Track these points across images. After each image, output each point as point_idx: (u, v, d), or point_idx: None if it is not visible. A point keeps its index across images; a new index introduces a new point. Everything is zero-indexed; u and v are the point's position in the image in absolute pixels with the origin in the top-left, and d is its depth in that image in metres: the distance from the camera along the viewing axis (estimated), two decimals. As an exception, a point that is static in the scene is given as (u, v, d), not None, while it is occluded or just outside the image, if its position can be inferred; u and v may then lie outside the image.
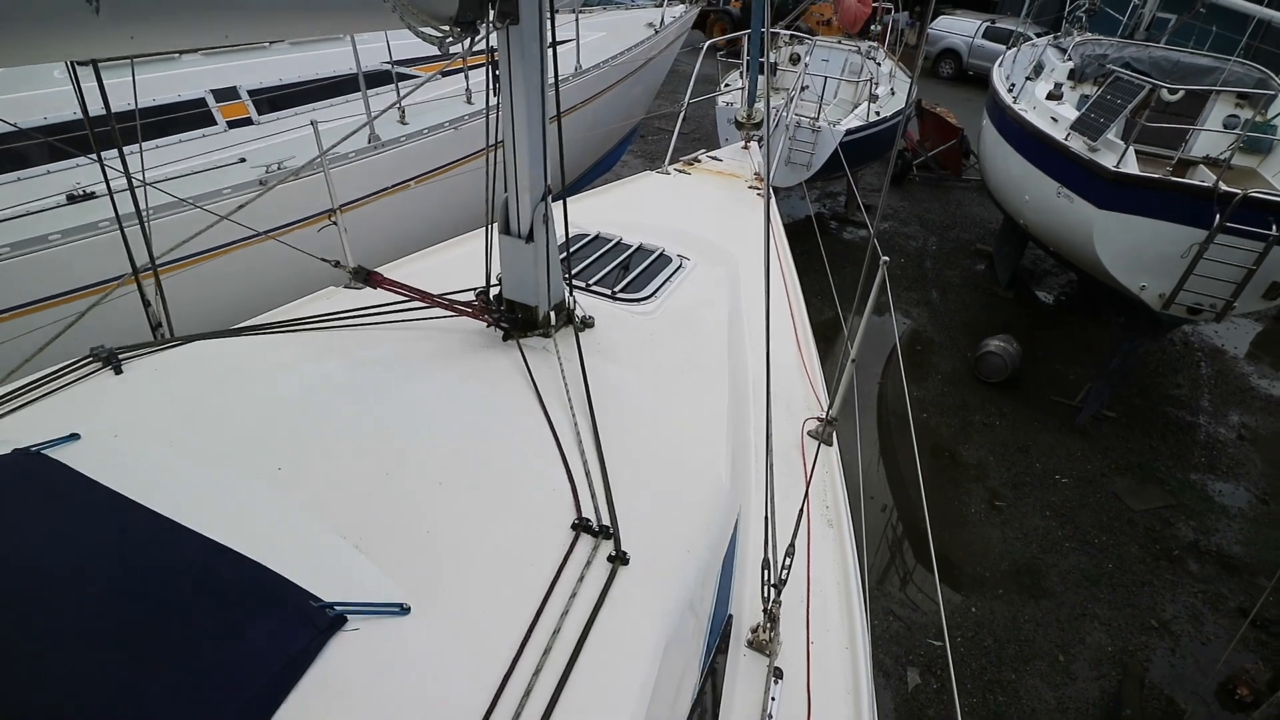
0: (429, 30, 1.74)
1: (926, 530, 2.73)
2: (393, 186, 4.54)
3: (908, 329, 8.17)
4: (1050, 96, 6.95)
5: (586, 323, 2.59)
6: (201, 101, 4.08)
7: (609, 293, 2.88)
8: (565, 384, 2.10)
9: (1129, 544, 5.45)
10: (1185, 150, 6.49)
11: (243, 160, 3.95)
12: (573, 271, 3.01)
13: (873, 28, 10.76)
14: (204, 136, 4.05)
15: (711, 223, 3.98)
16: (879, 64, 9.58)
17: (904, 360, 7.63)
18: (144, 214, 2.35)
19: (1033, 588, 5.04)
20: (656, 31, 7.16)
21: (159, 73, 3.97)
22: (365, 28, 1.88)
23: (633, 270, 3.10)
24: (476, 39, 1.86)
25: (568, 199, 4.18)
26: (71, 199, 3.41)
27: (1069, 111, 6.54)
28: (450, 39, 1.79)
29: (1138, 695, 4.35)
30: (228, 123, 4.15)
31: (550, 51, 2.01)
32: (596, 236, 3.41)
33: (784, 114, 6.23)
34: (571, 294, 2.55)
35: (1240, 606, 5.02)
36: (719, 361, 2.63)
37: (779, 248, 3.84)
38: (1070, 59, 7.64)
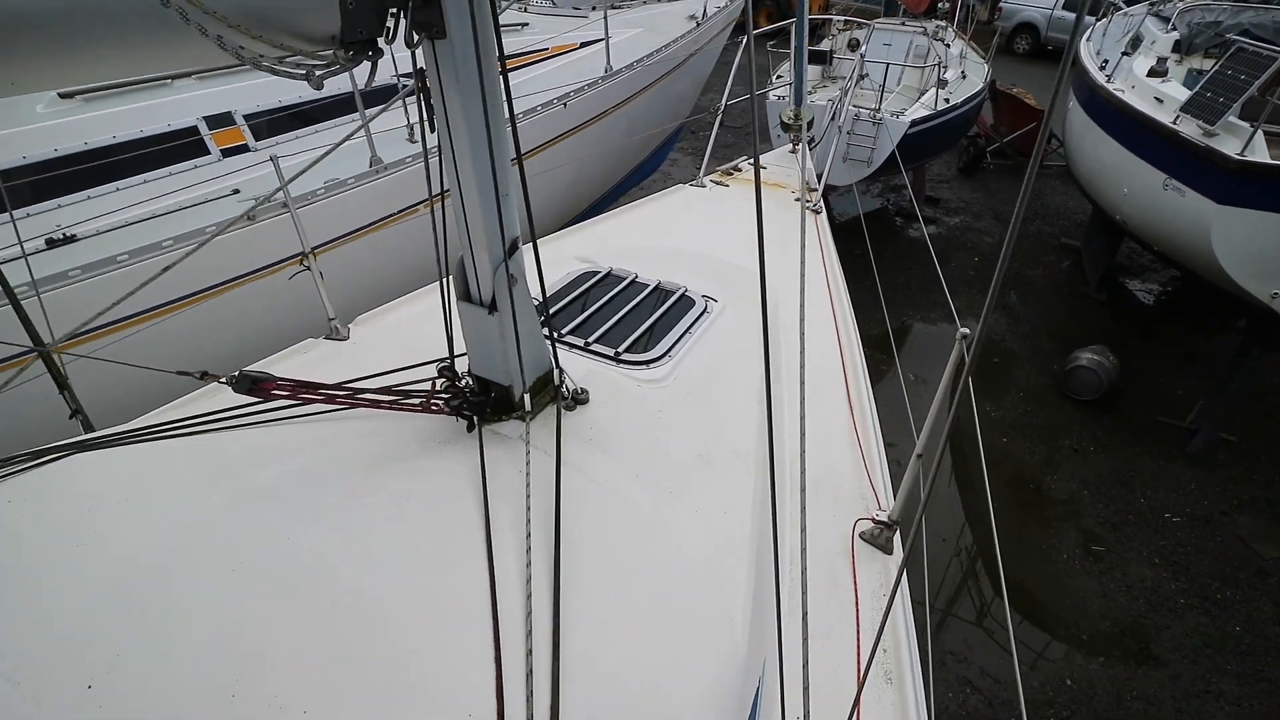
0: (295, 64, 1.28)
1: (1002, 583, 2.13)
2: (399, 213, 4.15)
3: (983, 338, 7.37)
4: (1153, 73, 6.05)
5: (579, 398, 2.11)
6: (194, 130, 3.77)
7: (611, 353, 2.38)
8: (528, 500, 1.62)
9: (1259, 600, 4.62)
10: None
11: (236, 192, 3.63)
12: (568, 327, 2.52)
13: (940, 5, 9.87)
14: (196, 168, 3.75)
15: (751, 247, 3.42)
16: (947, 45, 8.73)
17: (978, 376, 6.86)
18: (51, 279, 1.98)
19: (1141, 655, 4.30)
20: (698, 24, 6.59)
21: (152, 100, 3.69)
22: (194, 62, 1.32)
23: (645, 319, 2.58)
24: (379, 61, 1.39)
25: (587, 219, 3.76)
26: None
27: (1177, 90, 5.65)
28: (330, 68, 1.33)
29: (1281, 801, 3.60)
30: (222, 151, 3.84)
31: (499, 72, 1.53)
32: (608, 274, 2.91)
33: (839, 107, 5.60)
34: (557, 365, 2.06)
35: (1405, 683, 4.16)
36: (745, 445, 2.09)
37: (830, 274, 3.25)
38: (1174, 28, 6.68)
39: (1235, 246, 4.89)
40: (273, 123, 4.03)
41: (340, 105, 4.32)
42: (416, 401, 1.81)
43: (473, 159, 1.59)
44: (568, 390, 2.09)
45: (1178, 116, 5.30)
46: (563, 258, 3.09)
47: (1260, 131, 4.68)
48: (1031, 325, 7.51)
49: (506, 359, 1.85)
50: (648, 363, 2.36)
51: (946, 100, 7.52)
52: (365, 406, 1.75)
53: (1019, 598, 4.70)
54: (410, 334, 2.73)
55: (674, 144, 7.63)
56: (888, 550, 2.01)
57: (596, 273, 2.91)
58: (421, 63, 1.52)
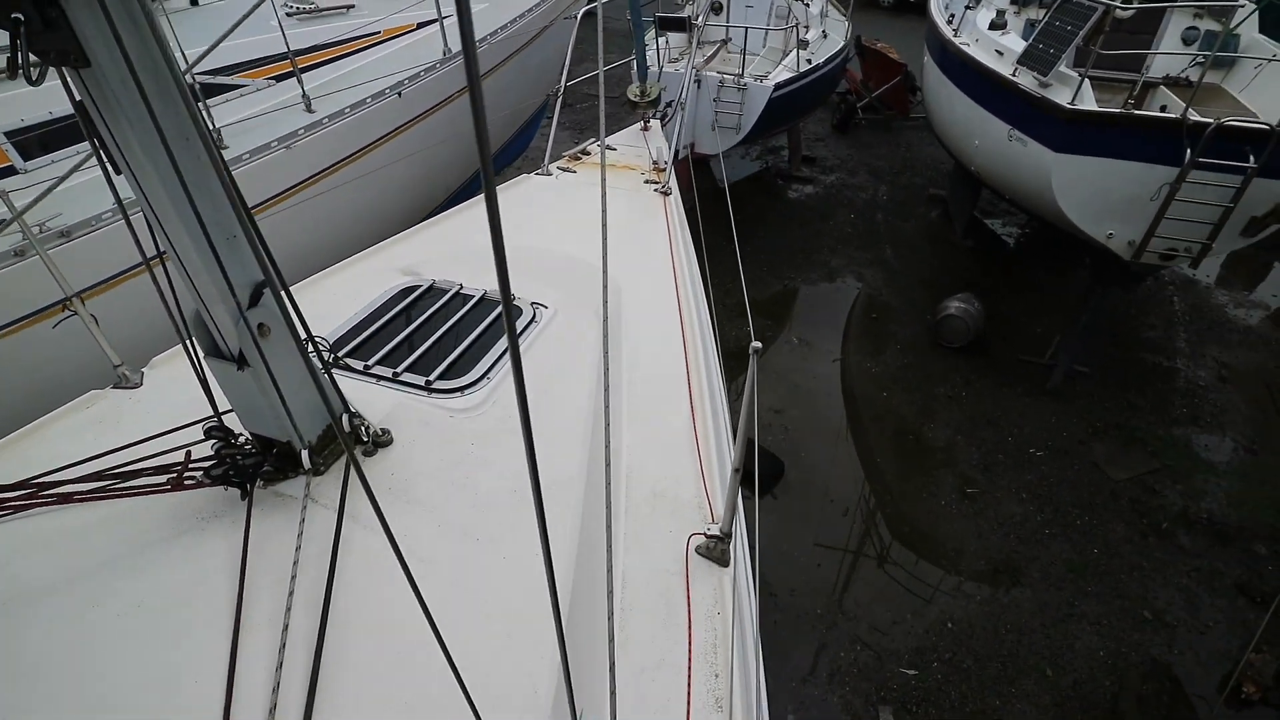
0: None
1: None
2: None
3: (861, 294, 7.56)
4: (993, 26, 6.24)
5: (379, 441, 1.93)
6: None
7: (422, 383, 2.20)
8: (293, 584, 1.45)
9: (1114, 522, 4.98)
10: (1144, 72, 5.83)
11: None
12: (377, 355, 2.32)
13: (800, -38, 9.85)
14: None
15: (596, 236, 3.28)
16: (807, 5, 8.74)
17: (860, 331, 7.05)
18: None
19: (1013, 588, 4.55)
20: (549, -7, 6.30)
21: None
22: None
23: (465, 338, 2.41)
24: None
25: (435, 217, 3.51)
26: None
27: (1015, 42, 5.85)
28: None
29: (1135, 709, 3.89)
30: None
31: (190, 99, 1.31)
32: (430, 288, 2.70)
33: (690, 73, 5.50)
34: (346, 409, 1.86)
35: (1237, 582, 4.58)
36: (568, 470, 1.97)
37: (678, 262, 3.15)
38: (1012, -21, 6.90)
39: (1073, 191, 5.12)
40: (45, 138, 3.51)
41: None
42: (164, 480, 1.58)
43: (172, 205, 1.36)
44: (365, 433, 1.90)
45: (1016, 69, 5.48)
46: (385, 271, 2.86)
47: (1087, 80, 4.88)
48: (906, 279, 7.76)
49: (276, 412, 1.65)
50: (462, 389, 2.19)
51: (809, 61, 7.55)
52: (91, 501, 1.51)
53: (905, 548, 4.88)
54: None
55: (540, 123, 7.33)
56: (723, 563, 1.94)
57: (417, 287, 2.70)
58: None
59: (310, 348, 2.11)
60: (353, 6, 5.17)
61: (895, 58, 10.83)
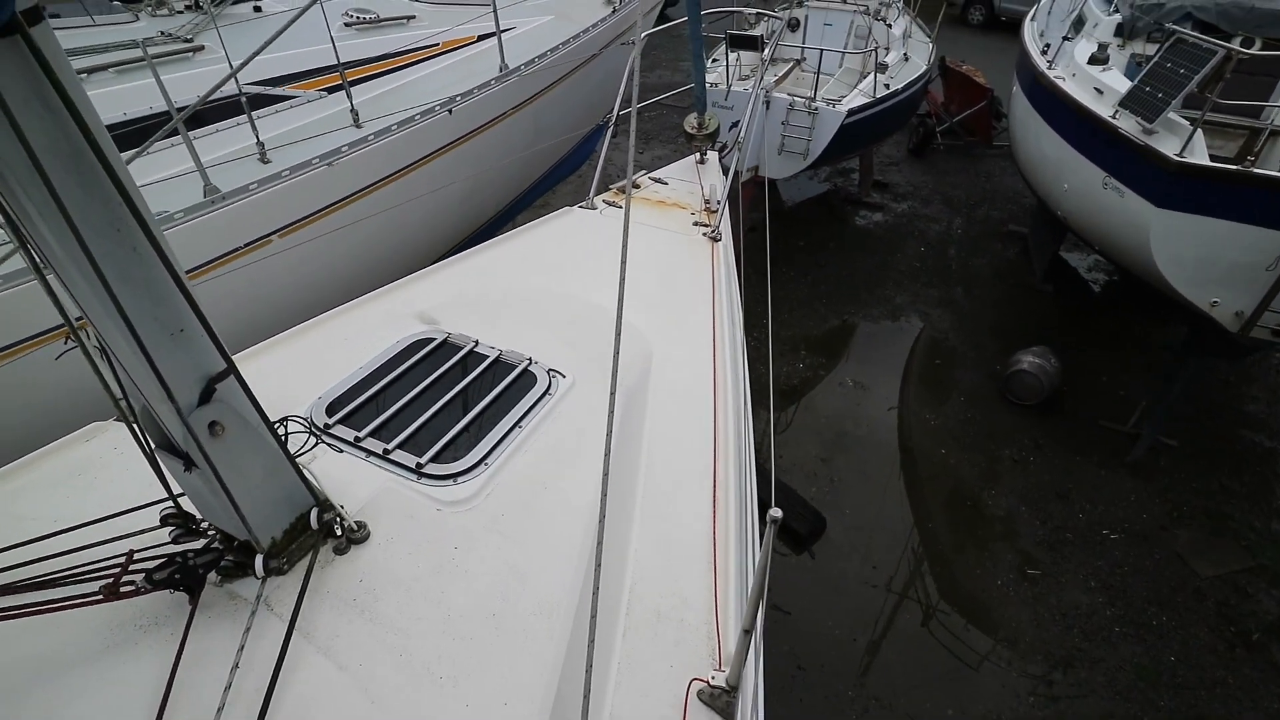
0: None
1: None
2: (245, 246, 3.65)
3: (925, 336, 7.09)
4: (1094, 60, 5.71)
5: (354, 536, 1.72)
6: None
7: (414, 465, 1.98)
8: (219, 716, 1.24)
9: (1196, 626, 4.44)
10: (1268, 119, 5.23)
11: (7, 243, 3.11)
12: (371, 426, 2.11)
13: (886, -22, 9.38)
14: None
15: (636, 287, 3.02)
16: (889, 25, 8.29)
17: (921, 378, 6.59)
18: None
19: (1073, 691, 4.09)
20: (616, 9, 6.07)
21: None
22: None
23: (471, 409, 2.18)
24: None
25: (465, 251, 3.32)
26: None
27: (1118, 80, 5.32)
28: None
29: None
30: None
31: (124, 180, 1.12)
32: (443, 343, 2.49)
33: (759, 94, 5.16)
34: (317, 506, 1.66)
35: (1341, 714, 4.00)
36: (557, 590, 1.72)
37: (720, 322, 2.85)
38: (1117, 10, 6.32)
39: (1174, 252, 4.61)
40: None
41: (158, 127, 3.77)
42: (95, 589, 1.40)
43: (99, 304, 1.17)
44: (339, 528, 1.69)
45: (1117, 111, 4.98)
46: (402, 316, 2.67)
47: (1200, 130, 4.36)
48: (976, 321, 7.25)
49: (229, 512, 1.46)
50: (455, 476, 1.96)
51: (886, 86, 7.12)
52: (3, 619, 1.32)
53: (952, 630, 4.47)
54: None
55: (598, 139, 7.12)
56: (728, 717, 1.66)
57: (430, 340, 2.49)
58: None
59: (286, 428, 1.92)
60: (413, 18, 5.06)
61: (981, 81, 10.23)
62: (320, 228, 3.91)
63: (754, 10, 5.95)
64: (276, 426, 1.88)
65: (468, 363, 2.39)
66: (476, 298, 2.84)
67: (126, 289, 1.20)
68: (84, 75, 3.57)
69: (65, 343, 2.17)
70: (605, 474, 1.51)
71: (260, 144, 3.75)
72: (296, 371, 2.41)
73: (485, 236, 6.03)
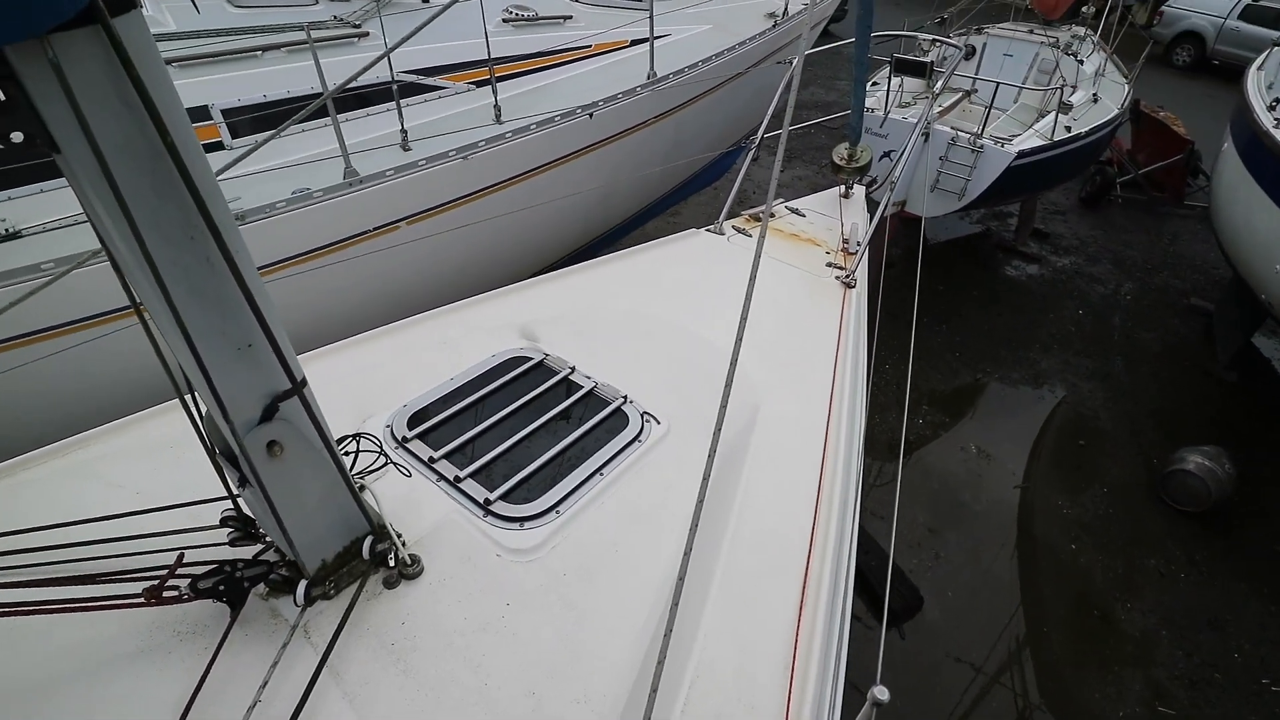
0: None
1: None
2: (375, 230, 3.73)
3: (1070, 410, 6.35)
4: (1336, 126, 4.84)
5: (406, 571, 1.61)
6: None
7: (482, 500, 1.85)
8: None
9: (1374, 823, 3.65)
10: None
11: None
12: (448, 447, 2.01)
13: (1083, 9, 8.52)
14: None
15: (754, 325, 2.78)
16: (1081, 62, 7.49)
17: (1058, 457, 5.89)
18: None
19: None
20: (777, 23, 5.79)
21: None
22: None
23: (554, 444, 2.03)
24: None
25: (580, 264, 3.21)
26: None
27: (1366, 153, 4.48)
28: None
29: None
30: None
31: (203, 190, 1.04)
32: (539, 365, 2.36)
33: (920, 128, 4.74)
34: (372, 534, 1.55)
35: None
36: (605, 682, 1.51)
37: (843, 377, 2.54)
38: (1376, 67, 5.35)
39: None
40: (256, 120, 3.68)
41: (336, 103, 3.92)
42: (137, 591, 1.35)
43: (167, 315, 1.10)
44: (392, 559, 1.59)
45: (1361, 190, 4.18)
46: (503, 328, 2.57)
47: None
48: (1135, 403, 6.41)
49: (275, 533, 1.38)
50: (523, 520, 1.81)
51: (1067, 129, 6.41)
52: (26, 614, 1.29)
53: (1055, 756, 3.92)
54: (333, 391, 2.32)
55: (740, 153, 6.87)
56: None
57: (527, 360, 2.37)
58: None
59: (358, 445, 1.85)
60: (570, 18, 5.03)
61: (1180, 131, 9.09)
62: (447, 219, 3.96)
63: (930, 36, 5.48)
64: (346, 443, 1.80)
65: (560, 390, 2.26)
66: (582, 317, 2.70)
67: (194, 301, 1.14)
68: (259, 53, 3.76)
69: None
70: (687, 552, 1.31)
71: (404, 132, 3.83)
72: (390, 371, 2.38)
73: (609, 242, 5.96)
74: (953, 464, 5.74)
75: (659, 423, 2.18)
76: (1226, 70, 13.82)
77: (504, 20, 4.70)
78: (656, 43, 4.81)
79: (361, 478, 1.83)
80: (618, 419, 2.17)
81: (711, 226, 3.47)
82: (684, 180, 6.06)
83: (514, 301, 2.84)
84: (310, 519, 1.45)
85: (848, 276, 3.12)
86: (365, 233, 3.73)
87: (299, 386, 1.32)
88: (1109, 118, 7.08)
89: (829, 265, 3.24)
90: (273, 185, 3.52)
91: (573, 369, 2.35)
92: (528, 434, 2.08)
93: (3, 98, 0.93)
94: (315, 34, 3.44)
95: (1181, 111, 9.71)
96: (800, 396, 2.49)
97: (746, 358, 1.79)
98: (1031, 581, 4.87)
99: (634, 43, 5.05)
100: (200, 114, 3.55)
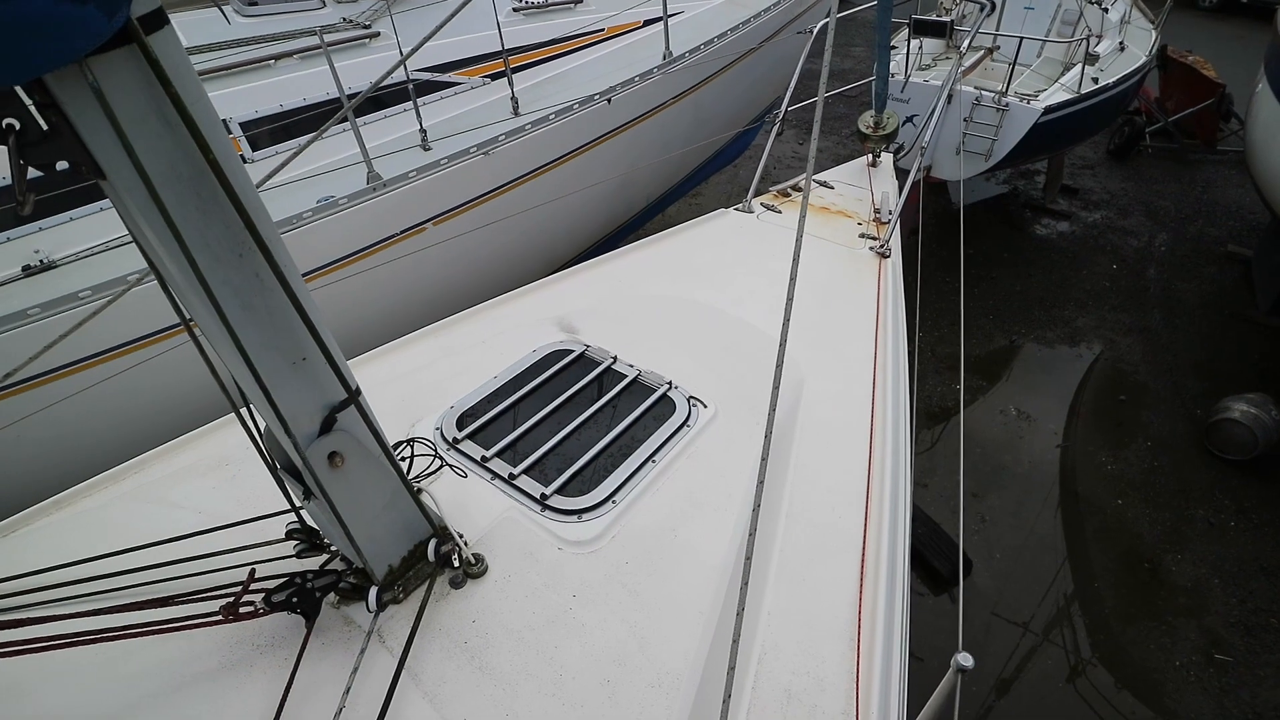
0: None
1: None
2: (402, 233, 3.77)
3: (1109, 366, 6.26)
4: (1378, 57, 4.68)
5: (471, 570, 1.66)
6: None
7: (539, 495, 1.90)
8: None
9: None
10: None
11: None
12: (500, 444, 2.05)
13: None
14: None
15: (795, 304, 2.78)
16: (1105, 9, 7.28)
17: (1099, 415, 5.82)
18: None
19: (1264, 813, 3.46)
20: (796, -8, 5.72)
21: None
22: None
23: (604, 434, 2.07)
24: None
25: (612, 252, 3.23)
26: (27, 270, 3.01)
27: None
28: None
29: None
30: None
31: (252, 207, 1.07)
32: (580, 356, 2.40)
33: (948, 88, 4.66)
34: (436, 537, 1.61)
35: None
36: (677, 657, 1.57)
37: (885, 348, 2.56)
38: None
39: None
40: (275, 131, 3.71)
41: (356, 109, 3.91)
42: (214, 609, 1.41)
43: (220, 331, 1.13)
44: (456, 560, 1.64)
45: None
46: (541, 321, 2.61)
47: None
48: (1175, 357, 6.30)
49: (341, 540, 1.44)
50: (580, 513, 1.85)
51: (1094, 81, 6.25)
52: (110, 640, 1.34)
53: (1115, 710, 3.92)
54: (377, 396, 2.38)
55: (760, 128, 6.79)
56: None
57: (568, 352, 2.41)
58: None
59: (413, 449, 1.88)
60: (581, 2, 5.02)
61: (1210, 75, 8.81)
62: (473, 216, 3.98)
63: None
64: (402, 448, 1.85)
65: (604, 381, 2.29)
66: (618, 305, 2.74)
67: (247, 317, 1.15)
68: (271, 62, 3.78)
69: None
70: (752, 533, 1.34)
71: (423, 131, 3.85)
72: (433, 373, 2.43)
73: (635, 227, 5.96)
74: (993, 427, 5.71)
75: (706, 406, 2.21)
76: (1256, 11, 13.33)
77: (514, 9, 4.70)
78: (670, 20, 4.78)
79: (418, 481, 1.86)
80: (664, 406, 2.20)
81: (740, 205, 3.48)
82: (705, 160, 6.03)
83: (549, 294, 2.88)
84: (374, 525, 1.50)
85: (882, 246, 3.12)
86: (393, 236, 3.76)
87: (354, 395, 1.36)
88: (1136, 67, 6.89)
89: (862, 236, 3.24)
90: (297, 196, 3.55)
91: (614, 358, 2.39)
92: (576, 426, 2.12)
93: (46, 127, 0.91)
94: (327, 38, 3.44)
95: (1210, 54, 9.41)
96: (844, 372, 2.51)
97: (789, 336, 1.82)
98: (1078, 539, 4.85)
99: (647, 22, 5.02)
100: None
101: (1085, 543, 4.83)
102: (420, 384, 2.32)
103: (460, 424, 2.14)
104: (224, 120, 3.59)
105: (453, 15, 2.71)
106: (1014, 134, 5.90)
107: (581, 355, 2.40)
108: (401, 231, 3.77)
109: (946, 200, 8.67)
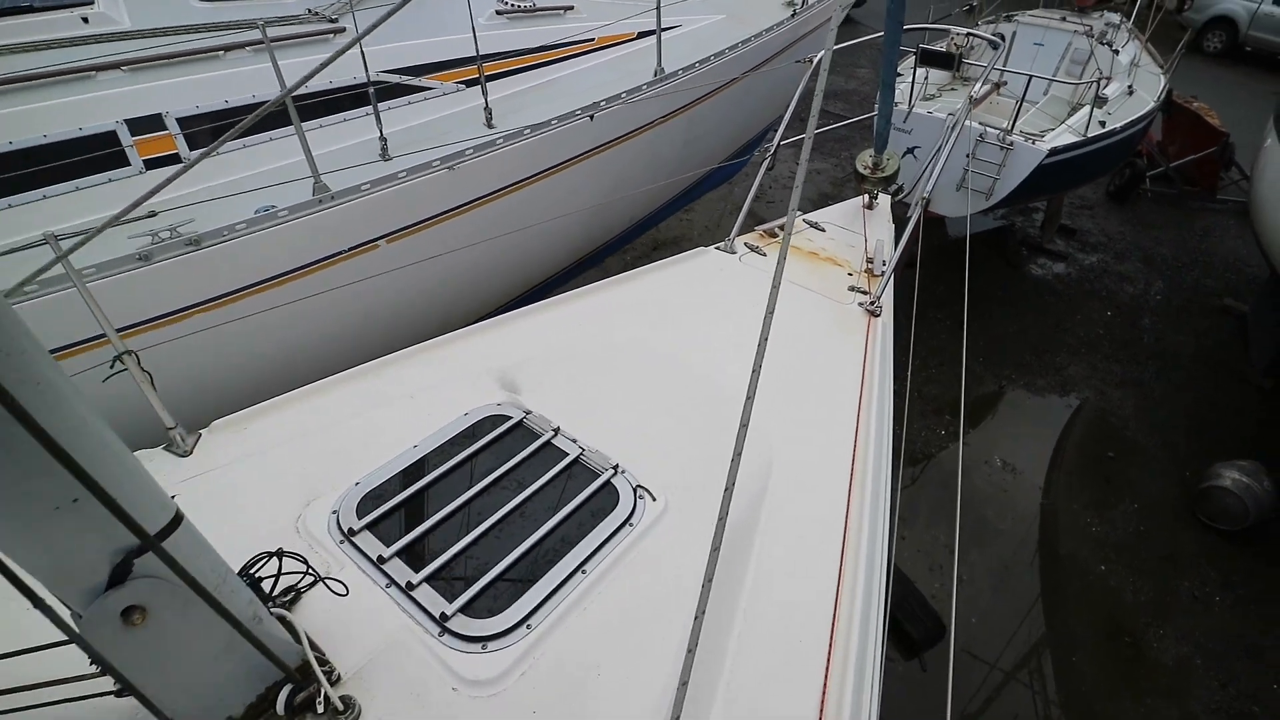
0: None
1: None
2: (349, 250, 3.44)
3: (1098, 419, 6.06)
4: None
5: (340, 716, 1.35)
6: (112, 135, 3.18)
7: (439, 614, 1.59)
8: None
9: None
10: None
11: (153, 214, 3.05)
12: (402, 541, 1.74)
13: (1116, -6, 8.10)
14: (110, 182, 3.15)
15: (767, 363, 2.52)
16: (1116, 52, 7.09)
17: (1086, 471, 5.61)
18: None
19: None
20: (796, 12, 5.45)
21: (65, 99, 3.12)
22: None
23: (531, 532, 1.77)
24: None
25: (569, 292, 2.90)
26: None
27: None
28: None
29: None
30: (145, 162, 3.21)
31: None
32: (518, 425, 2.10)
33: (959, 124, 4.45)
34: (290, 683, 1.30)
35: None
36: None
37: (867, 423, 2.29)
38: None
39: None
40: (218, 129, 3.38)
41: (307, 108, 3.57)
42: None
43: None
44: (322, 704, 1.33)
45: None
46: (478, 372, 2.32)
47: None
48: (1167, 412, 6.10)
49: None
50: (485, 640, 1.54)
51: (1101, 124, 6.06)
52: None
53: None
54: (282, 457, 2.07)
55: (754, 151, 6.53)
56: None
57: (504, 419, 2.11)
58: None
59: (280, 565, 1.53)
60: (571, 9, 4.72)
61: (1214, 123, 8.67)
62: (431, 235, 3.65)
63: (965, 30, 5.11)
64: (262, 564, 1.50)
65: (540, 459, 1.99)
66: (574, 358, 2.45)
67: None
68: (220, 53, 3.46)
69: (112, 363, 1.97)
70: (691, 649, 1.08)
71: (383, 139, 3.53)
72: (348, 432, 2.13)
73: (617, 247, 5.66)
74: (977, 479, 5.48)
75: (654, 499, 1.91)
76: (1259, 58, 13.28)
77: (498, 12, 4.39)
78: (665, 35, 4.49)
79: (285, 601, 1.53)
80: (607, 495, 1.90)
81: (721, 244, 3.20)
82: (694, 183, 5.76)
83: (497, 337, 2.58)
84: (204, 675, 1.19)
85: (872, 304, 2.84)
86: (340, 254, 3.43)
87: (154, 542, 1.00)
88: (1145, 111, 6.70)
89: (851, 290, 2.97)
90: (236, 204, 3.24)
91: (556, 430, 2.08)
92: (499, 520, 1.81)
93: None
94: (284, 30, 3.13)
95: (1213, 100, 9.27)
96: (821, 447, 2.24)
97: (758, 406, 1.54)
98: (1059, 606, 4.62)
99: (640, 35, 4.74)
100: (153, 123, 3.25)
101: (1066, 610, 4.60)
102: (330, 446, 2.02)
103: (361, 509, 1.82)
104: (160, 114, 3.28)
105: (405, 2, 2.38)
106: (1017, 174, 5.68)
107: (519, 424, 2.10)
108: (350, 249, 3.45)
109: (943, 232, 8.47)
